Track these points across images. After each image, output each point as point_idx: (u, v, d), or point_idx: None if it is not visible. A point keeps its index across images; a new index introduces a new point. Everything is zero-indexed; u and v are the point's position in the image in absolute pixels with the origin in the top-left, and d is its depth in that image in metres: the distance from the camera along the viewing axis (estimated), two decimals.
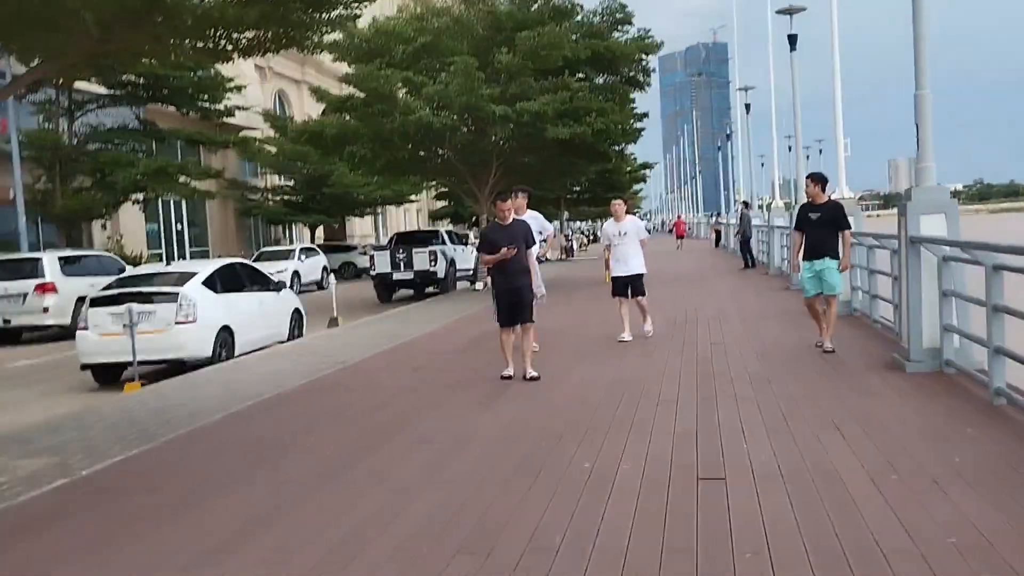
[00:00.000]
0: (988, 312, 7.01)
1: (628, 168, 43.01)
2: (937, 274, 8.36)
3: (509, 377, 9.27)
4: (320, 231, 50.17)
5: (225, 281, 13.16)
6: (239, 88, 27.70)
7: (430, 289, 24.92)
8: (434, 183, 37.27)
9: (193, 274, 12.62)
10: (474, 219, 60.54)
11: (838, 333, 11.07)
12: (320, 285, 33.86)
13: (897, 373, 8.51)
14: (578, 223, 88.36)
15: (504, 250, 9.11)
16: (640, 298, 12.01)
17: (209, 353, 12.14)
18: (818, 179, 10.30)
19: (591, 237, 77.92)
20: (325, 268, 34.84)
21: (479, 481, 5.78)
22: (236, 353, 12.86)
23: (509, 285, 9.33)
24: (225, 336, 12.56)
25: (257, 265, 32.80)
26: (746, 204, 31.46)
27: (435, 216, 63.78)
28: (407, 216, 66.37)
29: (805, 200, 10.49)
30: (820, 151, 69.56)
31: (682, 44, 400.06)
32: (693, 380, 8.82)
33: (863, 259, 12.67)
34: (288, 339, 15.04)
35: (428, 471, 6.12)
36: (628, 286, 11.93)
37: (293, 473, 6.35)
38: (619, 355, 10.70)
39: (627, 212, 12.06)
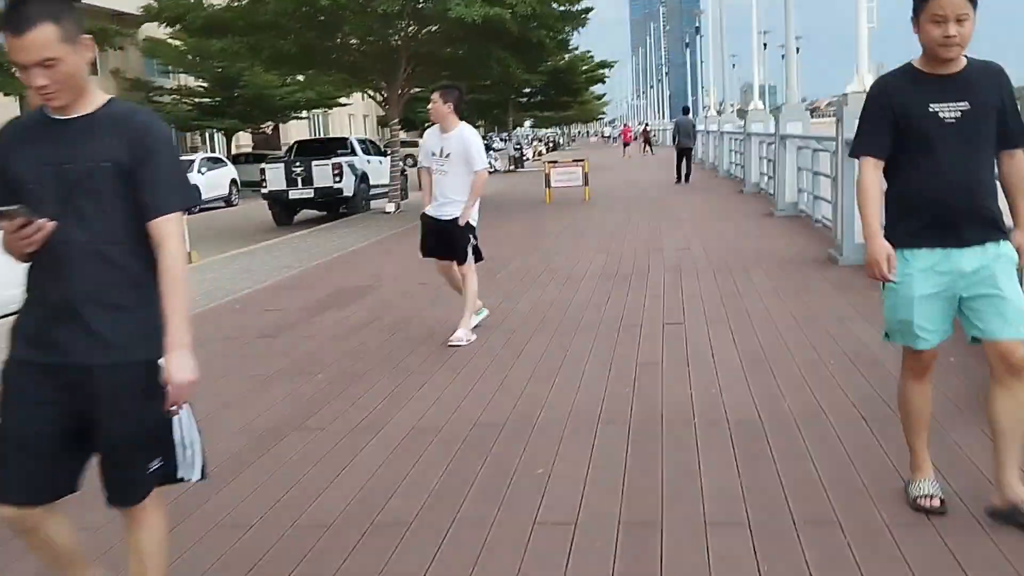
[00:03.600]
0: None
1: (584, 67, 38.21)
2: None
3: None
4: (247, 139, 45.28)
5: None
6: None
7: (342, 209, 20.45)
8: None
9: None
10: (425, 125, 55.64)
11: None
12: (228, 201, 29.29)
13: None
14: (536, 130, 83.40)
15: (21, 220, 2.38)
16: (462, 268, 6.77)
17: None
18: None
19: (552, 144, 73.18)
20: (235, 182, 30.15)
21: None
22: None
23: (48, 335, 2.50)
24: None
25: None
26: (685, 110, 27.60)
27: (383, 122, 58.56)
28: (352, 121, 61.04)
29: (902, 70, 3.40)
30: (797, 49, 64.45)
31: None
32: (643, 455, 4.50)
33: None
34: None
35: None
36: (441, 242, 6.78)
37: None
38: (515, 355, 6.46)
39: (458, 116, 6.49)
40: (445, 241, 6.75)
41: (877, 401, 4.77)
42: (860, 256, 8.12)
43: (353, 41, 18.36)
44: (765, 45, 38.78)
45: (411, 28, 17.97)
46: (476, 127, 53.58)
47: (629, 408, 4.91)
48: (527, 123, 76.29)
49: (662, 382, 5.38)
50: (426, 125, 47.68)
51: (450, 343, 6.59)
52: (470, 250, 6.74)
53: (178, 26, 18.97)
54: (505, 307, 7.98)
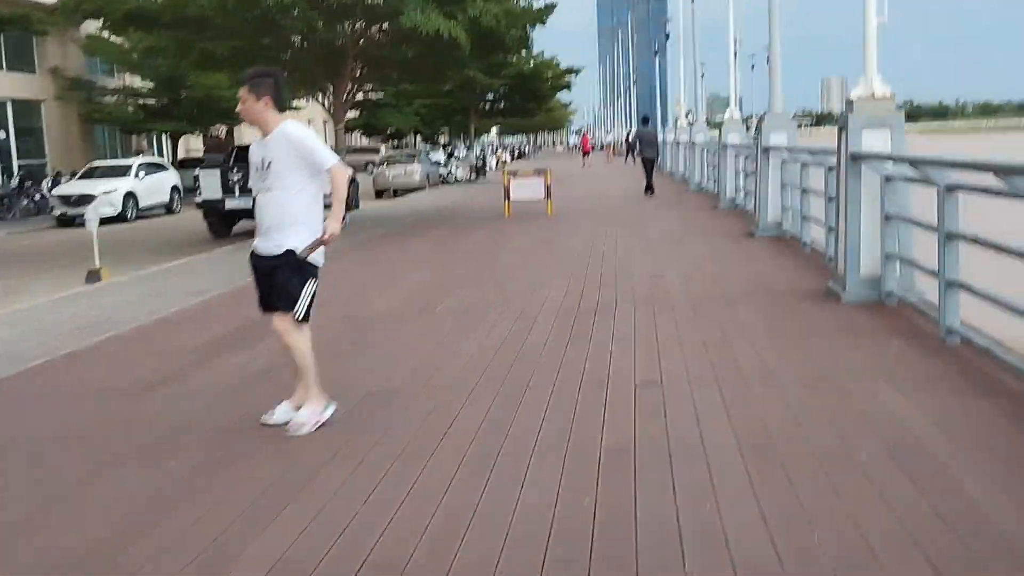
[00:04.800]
0: None
1: (549, 73, 36.72)
2: None
3: None
4: (196, 142, 43.33)
5: None
6: None
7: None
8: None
9: None
10: (394, 134, 53.14)
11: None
12: (169, 208, 27.48)
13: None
14: (502, 138, 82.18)
15: None
16: (280, 319, 4.80)
17: None
18: None
19: (517, 153, 71.82)
20: (176, 188, 28.27)
21: None
22: None
23: None
24: None
25: (85, 183, 27.12)
26: (644, 120, 27.05)
27: (347, 128, 56.65)
28: (312, 126, 59.11)
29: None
30: (767, 59, 63.47)
31: None
32: None
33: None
34: None
35: None
36: (268, 285, 4.86)
37: None
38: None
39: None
40: (275, 283, 4.81)
41: (942, 530, 3.32)
42: (867, 292, 7.10)
43: (293, 39, 16.75)
44: (736, 54, 37.64)
45: (359, 25, 16.42)
46: (439, 134, 51.97)
47: (589, 536, 3.40)
48: (493, 130, 74.95)
49: (635, 487, 3.88)
50: (389, 131, 45.25)
51: (288, 433, 4.78)
52: (300, 294, 4.76)
53: (99, 21, 17.26)
54: (438, 357, 6.46)
